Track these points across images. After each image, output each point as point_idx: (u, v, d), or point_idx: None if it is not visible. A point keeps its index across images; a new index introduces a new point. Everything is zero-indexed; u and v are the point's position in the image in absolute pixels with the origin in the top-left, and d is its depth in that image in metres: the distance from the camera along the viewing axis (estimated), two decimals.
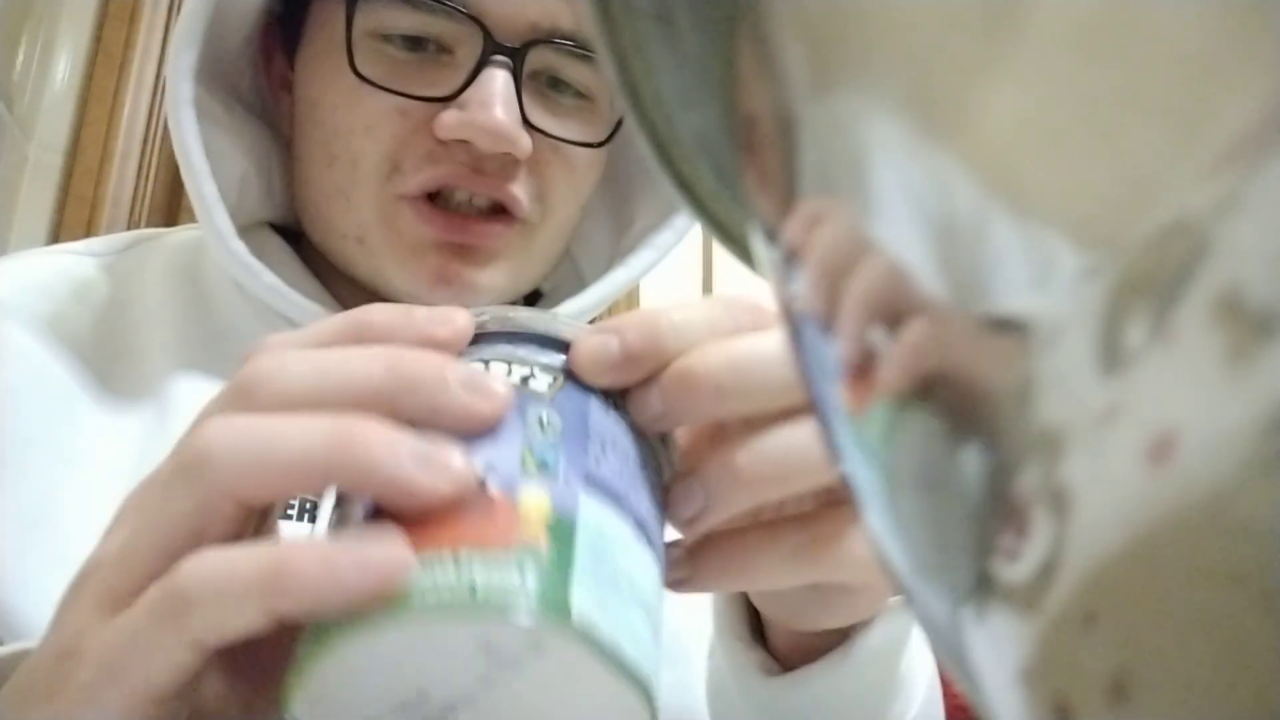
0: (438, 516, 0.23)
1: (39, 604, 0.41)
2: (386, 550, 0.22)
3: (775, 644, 0.39)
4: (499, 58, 0.48)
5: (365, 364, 0.25)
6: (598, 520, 0.25)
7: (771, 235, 0.14)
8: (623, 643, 0.23)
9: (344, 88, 0.49)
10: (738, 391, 0.27)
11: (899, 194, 0.10)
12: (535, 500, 0.24)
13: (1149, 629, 0.08)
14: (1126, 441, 0.08)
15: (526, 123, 0.49)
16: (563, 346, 0.28)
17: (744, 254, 0.18)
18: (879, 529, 0.12)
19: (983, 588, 0.10)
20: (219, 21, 0.52)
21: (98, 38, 1.73)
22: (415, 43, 0.49)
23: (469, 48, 0.49)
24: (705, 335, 0.27)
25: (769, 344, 0.27)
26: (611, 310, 0.62)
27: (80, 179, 1.76)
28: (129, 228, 1.60)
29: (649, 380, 0.27)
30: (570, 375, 0.28)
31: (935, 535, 0.11)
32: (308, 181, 0.54)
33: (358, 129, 0.49)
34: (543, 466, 0.25)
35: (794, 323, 0.13)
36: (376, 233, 0.51)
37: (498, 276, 0.52)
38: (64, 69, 1.74)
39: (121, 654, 0.23)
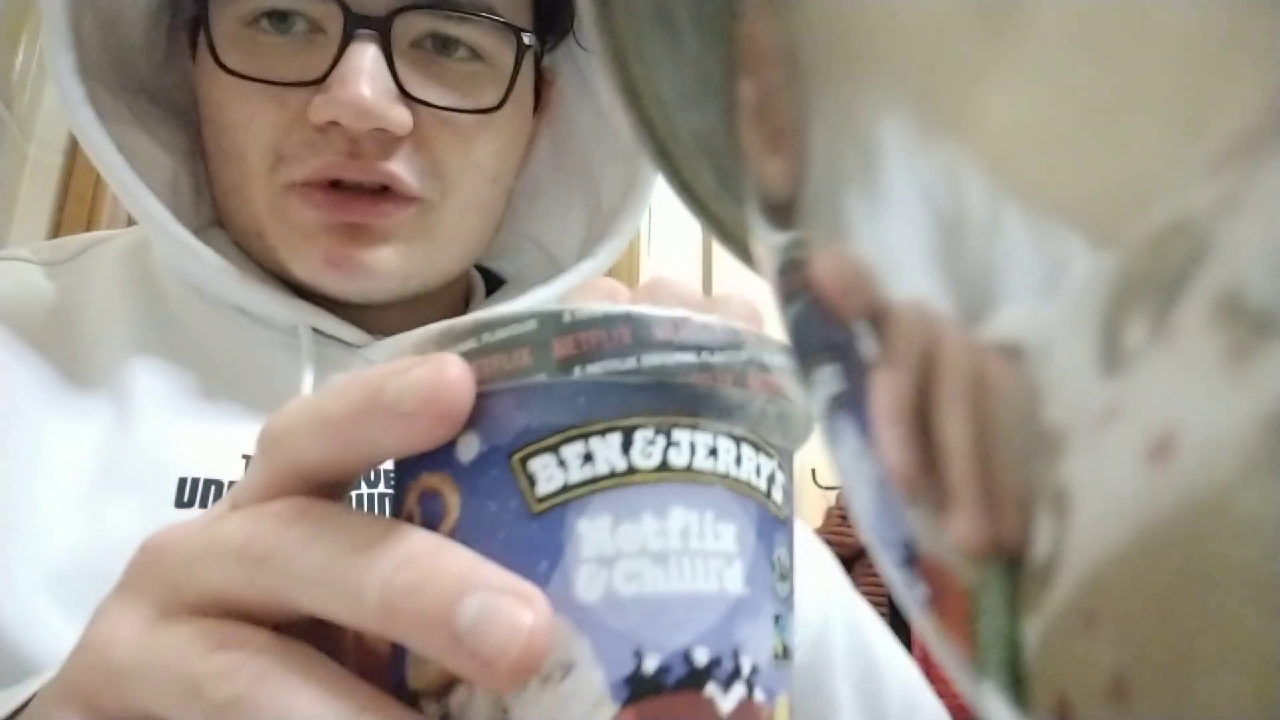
0: None
1: (13, 607, 0.41)
2: None
3: None
4: (363, 31, 0.46)
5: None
6: None
7: (776, 210, 0.14)
8: None
9: (223, 83, 0.48)
10: None
11: (905, 187, 0.10)
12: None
13: (1149, 629, 0.08)
14: (1126, 441, 0.08)
15: (406, 95, 0.47)
16: (746, 382, 0.20)
17: (744, 254, 0.18)
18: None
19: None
20: (113, 22, 0.51)
21: None
22: (283, 20, 0.47)
23: (336, 24, 0.47)
24: None
25: None
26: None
27: (80, 179, 1.76)
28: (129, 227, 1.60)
29: None
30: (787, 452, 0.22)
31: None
32: (214, 180, 0.53)
33: (240, 123, 0.48)
34: (787, 654, 0.21)
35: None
36: (269, 225, 0.50)
37: (393, 258, 0.50)
38: None
39: None
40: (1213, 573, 0.07)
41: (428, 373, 0.20)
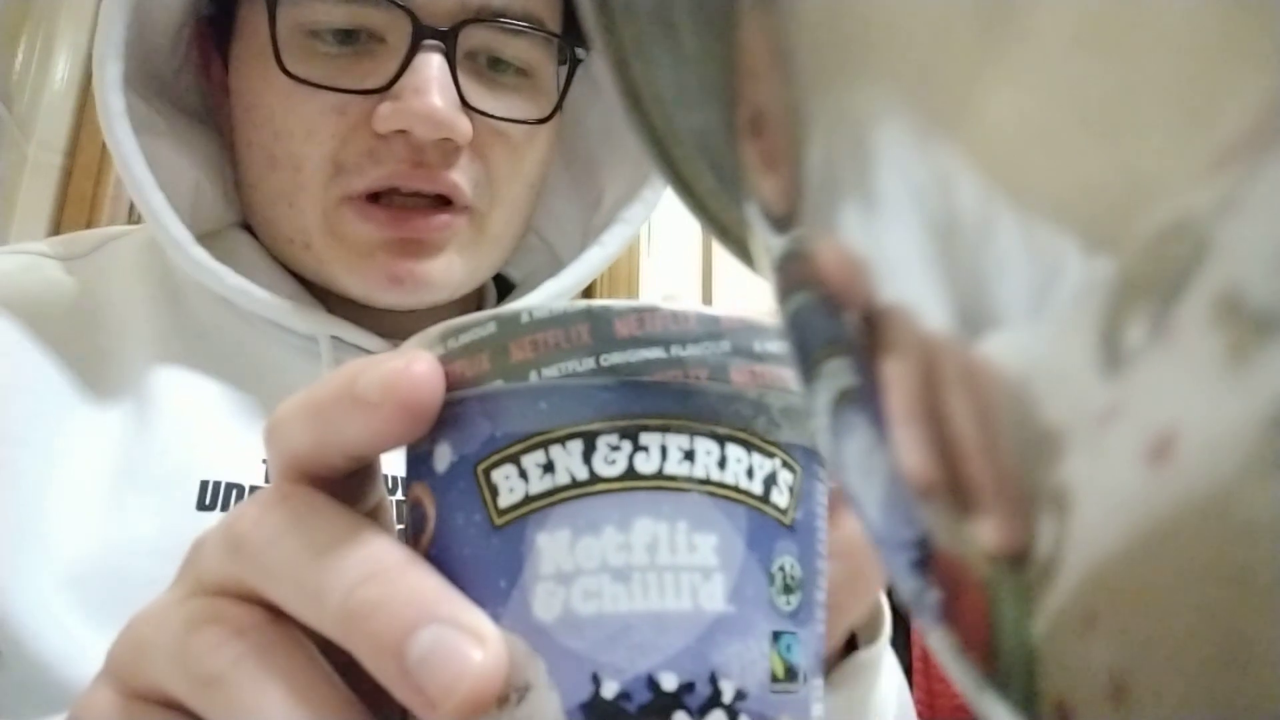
0: None
1: (31, 609, 0.41)
2: None
3: None
4: (430, 42, 0.47)
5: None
6: None
7: (776, 222, 0.14)
8: None
9: (279, 89, 0.48)
10: None
11: (902, 191, 0.10)
12: None
13: (1149, 629, 0.08)
14: (1126, 441, 0.08)
15: (466, 105, 0.48)
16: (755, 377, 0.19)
17: (744, 254, 0.18)
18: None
19: None
20: (142, 28, 0.51)
21: None
22: (346, 35, 0.48)
23: (400, 34, 0.47)
24: None
25: None
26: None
27: (80, 179, 1.76)
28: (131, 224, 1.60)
29: None
30: (813, 455, 0.20)
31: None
32: (252, 186, 0.52)
33: (298, 132, 0.48)
34: (792, 675, 0.19)
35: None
36: (320, 238, 0.49)
37: (452, 268, 0.50)
38: (63, 69, 1.74)
39: None
40: (1213, 573, 0.07)
41: (395, 365, 0.20)
